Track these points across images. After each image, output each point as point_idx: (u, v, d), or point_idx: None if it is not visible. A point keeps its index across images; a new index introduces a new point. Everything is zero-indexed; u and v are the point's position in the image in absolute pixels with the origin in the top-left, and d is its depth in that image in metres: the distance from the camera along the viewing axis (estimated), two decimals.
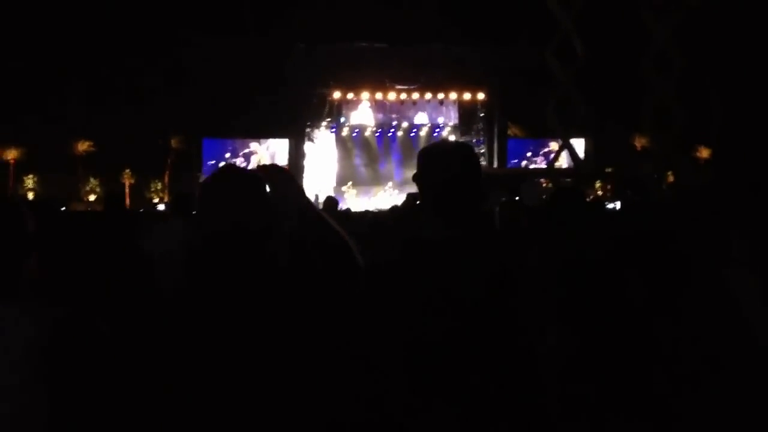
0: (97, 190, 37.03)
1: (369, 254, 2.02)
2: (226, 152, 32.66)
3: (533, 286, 1.99)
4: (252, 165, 32.48)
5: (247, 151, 33.06)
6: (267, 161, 31.97)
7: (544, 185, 30.30)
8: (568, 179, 28.17)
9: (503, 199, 6.90)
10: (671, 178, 34.26)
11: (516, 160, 34.25)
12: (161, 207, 34.09)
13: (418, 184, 2.19)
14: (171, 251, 4.32)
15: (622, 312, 2.65)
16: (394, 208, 8.18)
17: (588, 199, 4.38)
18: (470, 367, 1.87)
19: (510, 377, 1.87)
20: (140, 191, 37.67)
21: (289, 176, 2.00)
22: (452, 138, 32.17)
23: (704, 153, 50.28)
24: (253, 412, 1.73)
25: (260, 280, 1.85)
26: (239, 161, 32.34)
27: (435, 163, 2.15)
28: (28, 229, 1.77)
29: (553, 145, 33.19)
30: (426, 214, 2.22)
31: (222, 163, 32.04)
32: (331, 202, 8.06)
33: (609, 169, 33.67)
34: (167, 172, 37.05)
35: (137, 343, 1.81)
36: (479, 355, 1.87)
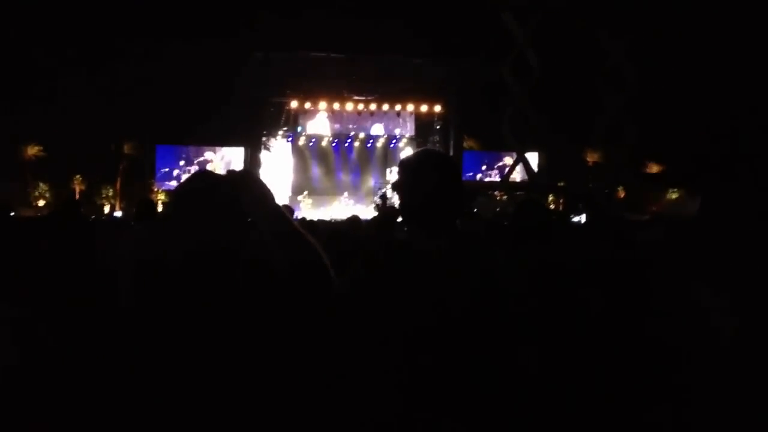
0: (47, 195, 36.20)
1: (348, 264, 2.01)
2: (180, 160, 32.29)
3: (517, 295, 2.00)
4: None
5: (201, 159, 32.76)
6: (222, 170, 31.71)
7: (498, 198, 30.65)
8: (520, 192, 28.55)
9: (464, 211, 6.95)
10: (622, 194, 34.92)
11: (471, 173, 34.59)
12: (118, 214, 33.49)
13: (399, 194, 2.18)
14: (136, 260, 4.24)
15: (582, 325, 2.69)
16: (353, 219, 8.17)
17: (546, 209, 4.44)
18: (459, 376, 1.87)
19: (498, 387, 1.88)
20: (91, 197, 36.92)
21: (263, 184, 1.97)
22: (409, 148, 32.39)
23: (654, 168, 51.34)
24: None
25: (232, 297, 1.82)
26: (193, 170, 32.01)
27: (418, 173, 2.15)
28: None
29: (507, 159, 33.67)
30: (408, 224, 2.22)
31: (192, 169, 31.75)
32: (287, 210, 8.00)
33: (561, 183, 34.19)
34: (119, 179, 36.41)
35: (94, 350, 1.77)
36: (467, 364, 1.87)
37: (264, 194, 1.93)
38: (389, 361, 1.90)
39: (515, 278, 2.03)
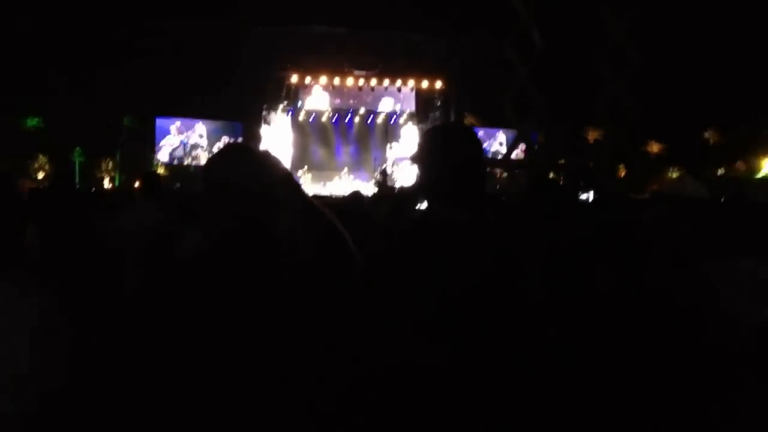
0: (46, 167, 36.10)
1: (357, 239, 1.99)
2: (180, 133, 32.15)
3: (539, 270, 1.99)
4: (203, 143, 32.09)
5: (193, 131, 32.54)
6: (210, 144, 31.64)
7: (498, 176, 30.61)
8: (519, 170, 28.49)
9: None
10: (622, 172, 34.89)
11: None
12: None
13: (420, 166, 2.13)
14: (142, 237, 4.18)
15: (591, 302, 2.70)
16: (355, 195, 8.14)
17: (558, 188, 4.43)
18: (480, 355, 1.87)
19: (519, 366, 1.87)
20: (90, 170, 36.82)
21: (272, 157, 1.96)
22: (410, 124, 32.27)
23: (655, 148, 51.16)
24: (245, 406, 1.71)
25: (270, 276, 1.80)
26: (192, 143, 31.94)
27: (444, 144, 2.10)
28: (23, 200, 1.71)
29: (501, 136, 33.74)
30: (431, 197, 2.14)
31: (191, 143, 31.63)
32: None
33: (562, 161, 34.09)
34: (119, 152, 36.29)
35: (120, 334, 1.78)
36: (489, 342, 1.87)
37: (289, 175, 1.92)
38: (413, 338, 1.87)
39: (536, 256, 2.02)
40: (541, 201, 3.31)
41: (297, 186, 1.92)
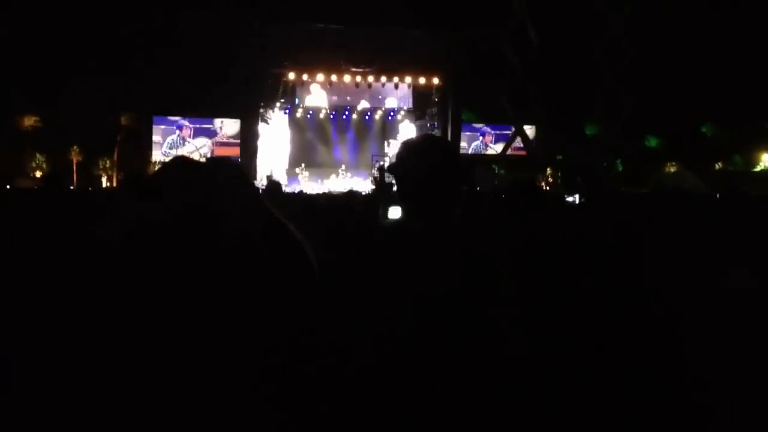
0: (44, 166, 36.07)
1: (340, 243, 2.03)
2: (177, 131, 32.18)
3: (510, 277, 2.02)
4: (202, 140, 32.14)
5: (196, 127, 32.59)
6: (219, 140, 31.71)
7: (496, 171, 30.63)
8: (518, 164, 28.51)
9: (464, 187, 6.96)
10: (620, 167, 34.90)
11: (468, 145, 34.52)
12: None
13: (395, 176, 2.22)
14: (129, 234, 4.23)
15: (571, 302, 2.71)
16: (350, 193, 8.21)
17: (543, 189, 4.45)
18: (444, 363, 1.89)
19: (487, 370, 1.90)
20: (88, 169, 36.80)
21: (240, 169, 2.01)
22: (407, 121, 32.29)
23: (652, 142, 51.14)
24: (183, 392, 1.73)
25: (212, 260, 1.85)
26: (188, 141, 31.95)
27: (414, 156, 2.19)
28: None
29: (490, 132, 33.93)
30: (402, 206, 2.26)
31: (188, 140, 31.69)
32: (273, 185, 7.88)
33: (559, 157, 34.11)
34: (116, 150, 36.26)
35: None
36: (458, 346, 1.90)
37: (238, 183, 1.96)
38: (372, 348, 1.91)
39: (504, 258, 2.05)
40: (520, 201, 3.34)
41: (254, 199, 1.97)
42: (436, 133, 30.67)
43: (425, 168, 2.12)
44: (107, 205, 5.37)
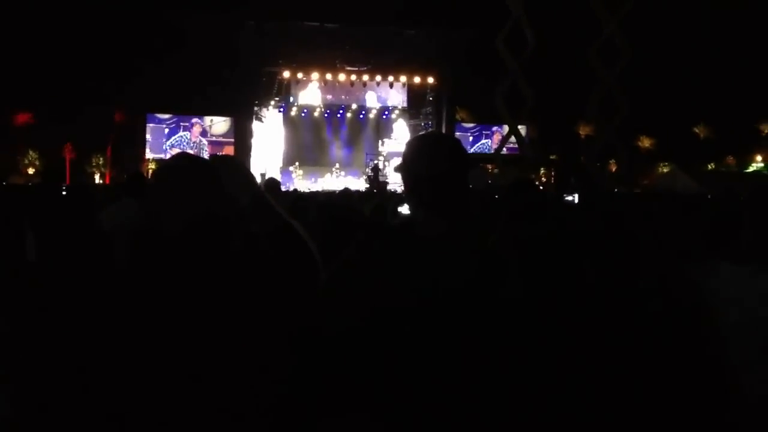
0: (37, 163, 35.97)
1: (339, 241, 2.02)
2: (171, 129, 32.09)
3: (511, 279, 2.02)
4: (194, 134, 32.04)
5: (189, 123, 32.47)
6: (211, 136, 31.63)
7: (489, 171, 30.65)
8: (511, 164, 28.55)
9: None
10: (613, 167, 35.00)
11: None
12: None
13: (402, 176, 2.16)
14: (124, 230, 4.23)
15: (575, 300, 2.72)
16: (345, 191, 8.20)
17: (540, 189, 4.46)
18: (454, 365, 1.89)
19: (498, 376, 1.89)
20: (81, 166, 36.72)
21: (242, 166, 2.01)
22: (401, 121, 32.29)
23: (646, 142, 51.32)
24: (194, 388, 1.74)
25: (223, 264, 1.86)
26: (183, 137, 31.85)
27: (424, 155, 2.12)
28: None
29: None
30: (411, 206, 2.18)
31: (183, 137, 31.61)
32: (273, 183, 7.84)
33: (553, 157, 34.19)
34: (110, 147, 36.19)
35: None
36: (461, 352, 1.89)
37: (247, 181, 1.96)
38: (378, 351, 1.89)
39: (509, 261, 2.04)
40: (520, 201, 3.34)
41: (259, 192, 1.97)
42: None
43: (438, 168, 2.06)
44: (107, 203, 5.36)
